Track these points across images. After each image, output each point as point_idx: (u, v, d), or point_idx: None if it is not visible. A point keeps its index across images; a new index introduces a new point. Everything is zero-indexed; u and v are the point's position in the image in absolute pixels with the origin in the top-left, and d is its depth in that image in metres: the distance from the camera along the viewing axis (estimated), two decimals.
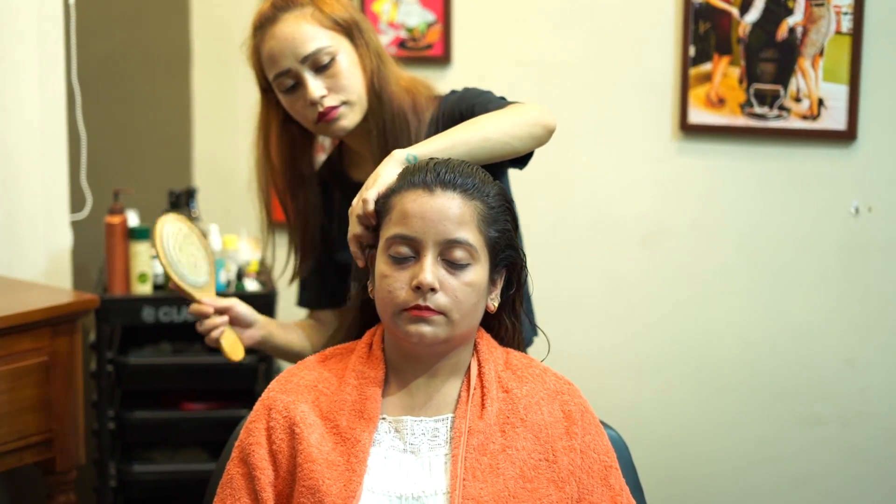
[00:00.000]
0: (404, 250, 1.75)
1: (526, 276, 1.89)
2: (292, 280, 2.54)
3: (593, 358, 3.35)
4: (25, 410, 2.74)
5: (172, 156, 4.08)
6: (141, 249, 3.26)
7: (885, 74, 2.96)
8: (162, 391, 3.39)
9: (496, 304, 1.86)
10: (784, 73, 3.07)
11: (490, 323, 1.91)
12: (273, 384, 1.88)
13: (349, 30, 2.25)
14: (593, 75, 3.35)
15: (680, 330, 3.29)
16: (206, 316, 2.29)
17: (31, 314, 2.75)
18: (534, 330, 2.13)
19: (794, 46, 3.05)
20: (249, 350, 2.38)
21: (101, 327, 3.24)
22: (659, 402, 3.31)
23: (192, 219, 3.32)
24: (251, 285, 3.40)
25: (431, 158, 1.85)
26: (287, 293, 3.72)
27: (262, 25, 2.26)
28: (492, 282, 1.83)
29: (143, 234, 3.25)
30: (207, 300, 2.30)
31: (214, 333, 2.29)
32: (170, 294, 3.27)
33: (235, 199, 3.99)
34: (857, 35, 2.97)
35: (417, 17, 3.64)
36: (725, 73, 3.15)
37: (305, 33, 2.20)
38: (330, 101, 2.21)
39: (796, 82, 3.05)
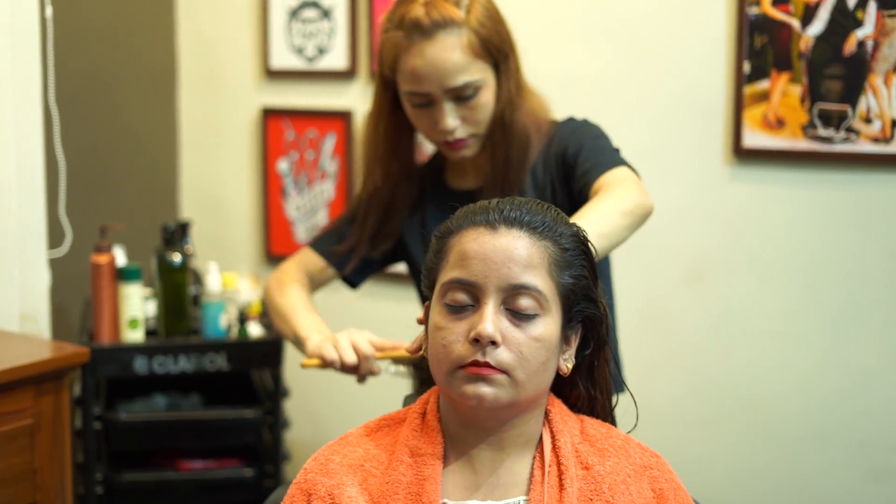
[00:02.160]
0: (462, 297, 1.52)
1: (606, 333, 1.62)
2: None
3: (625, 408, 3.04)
4: (7, 482, 2.40)
5: (158, 185, 3.78)
6: (132, 292, 2.93)
7: None
8: (155, 449, 3.06)
9: (570, 366, 1.60)
10: (852, 92, 2.78)
11: (562, 389, 1.66)
12: (311, 464, 1.61)
13: (498, 59, 2.11)
14: (634, 94, 3.06)
15: (733, 376, 3.00)
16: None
17: (11, 372, 2.41)
18: (618, 388, 1.81)
19: (864, 62, 2.75)
20: None
21: (88, 380, 2.90)
22: (711, 458, 3.01)
23: (186, 255, 2.97)
24: (255, 330, 3.06)
25: (508, 197, 1.61)
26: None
27: (411, 33, 2.06)
28: (565, 339, 1.58)
29: (134, 274, 2.92)
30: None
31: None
32: (164, 342, 2.94)
33: (228, 231, 3.69)
34: None
35: None
36: (785, 91, 2.85)
37: (458, 64, 2.05)
38: (461, 133, 2.11)
39: (866, 101, 2.76)
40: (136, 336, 2.95)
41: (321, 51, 3.53)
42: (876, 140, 2.77)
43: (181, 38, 3.78)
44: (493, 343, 1.47)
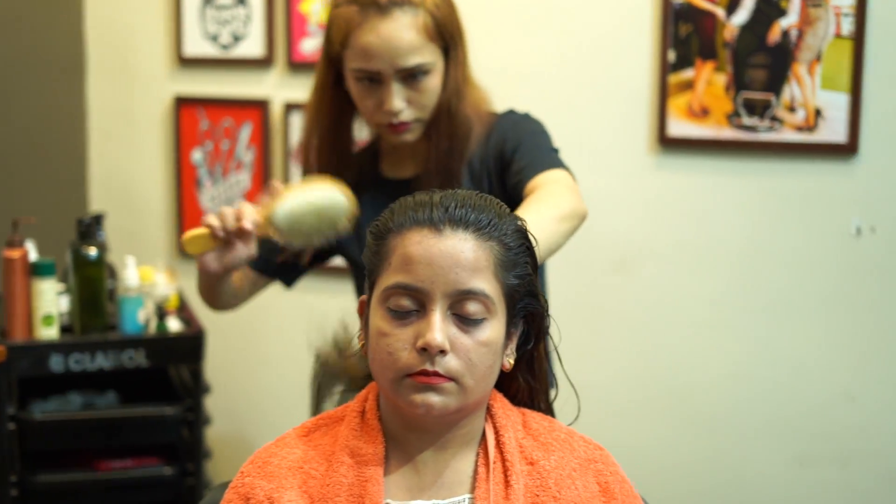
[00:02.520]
0: (407, 303, 1.45)
1: (547, 327, 1.59)
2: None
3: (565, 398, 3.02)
4: None
5: (67, 177, 3.65)
6: (45, 287, 2.82)
7: (889, 82, 2.71)
8: (71, 449, 2.95)
9: (512, 362, 1.56)
10: (776, 81, 2.79)
11: (502, 382, 1.61)
12: (248, 467, 1.54)
13: (449, 44, 2.08)
14: (559, 83, 3.04)
15: (662, 364, 3.01)
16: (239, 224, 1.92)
17: None
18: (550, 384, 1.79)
19: (788, 51, 2.77)
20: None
21: (1, 379, 2.79)
22: (641, 448, 3.01)
23: (102, 249, 2.88)
24: (174, 324, 2.98)
25: (436, 190, 1.54)
26: (217, 333, 3.32)
27: (367, 9, 2.02)
28: (507, 335, 1.53)
29: (48, 269, 2.82)
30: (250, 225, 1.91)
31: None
32: (81, 339, 2.84)
33: (140, 223, 3.59)
34: (858, 38, 2.71)
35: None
36: (710, 80, 2.86)
37: (412, 44, 2.02)
38: (406, 116, 2.06)
39: (790, 90, 2.78)
40: (50, 333, 2.84)
41: (236, 38, 3.45)
42: (800, 129, 2.79)
43: (88, 23, 3.66)
44: (442, 352, 1.43)
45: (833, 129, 2.75)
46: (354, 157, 2.23)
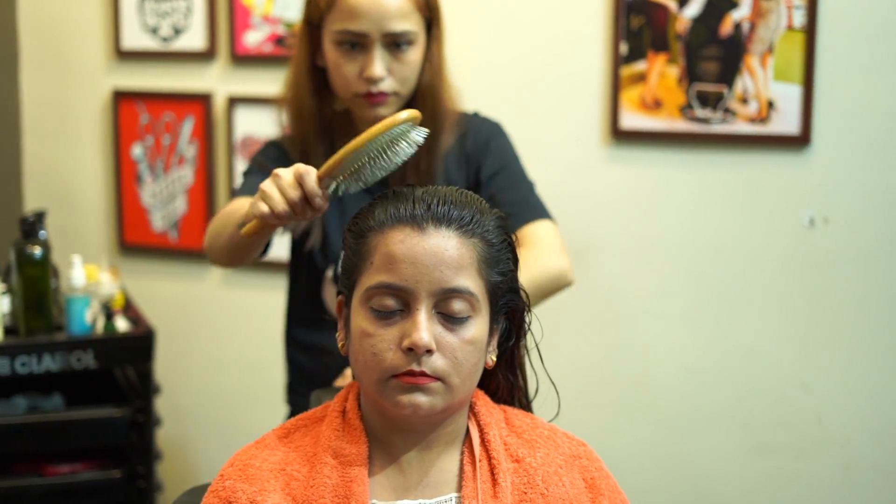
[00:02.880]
0: (391, 303, 1.43)
1: (529, 323, 1.60)
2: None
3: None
4: None
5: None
6: None
7: (841, 73, 2.73)
8: (17, 454, 2.87)
9: (494, 359, 1.55)
10: (729, 73, 2.81)
11: (481, 379, 1.59)
12: (227, 470, 1.51)
13: (432, 19, 2.06)
14: (511, 76, 3.02)
15: (615, 356, 3.00)
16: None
17: None
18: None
19: (740, 43, 2.78)
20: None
21: None
22: (596, 439, 2.98)
23: (46, 248, 2.80)
24: (121, 324, 2.91)
25: (416, 185, 1.52)
26: (164, 332, 3.26)
27: None
28: (490, 333, 1.52)
29: None
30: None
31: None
32: (27, 341, 2.76)
33: (78, 220, 3.51)
34: (811, 30, 2.73)
35: (297, 10, 3.20)
36: (662, 72, 2.86)
37: (401, 8, 1.99)
38: (385, 86, 2.01)
39: (743, 82, 2.79)
40: None
41: (177, 30, 3.37)
42: (752, 120, 2.80)
43: (21, 15, 3.55)
44: (428, 351, 1.41)
45: (786, 121, 2.77)
46: (328, 133, 2.13)
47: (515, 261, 1.55)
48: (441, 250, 1.43)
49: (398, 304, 1.42)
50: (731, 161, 2.84)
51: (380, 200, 1.49)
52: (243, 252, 1.98)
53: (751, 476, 2.93)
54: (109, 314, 2.89)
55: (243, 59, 3.30)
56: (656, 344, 2.98)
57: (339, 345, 1.53)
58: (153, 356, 2.88)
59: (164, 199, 3.46)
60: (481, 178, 2.09)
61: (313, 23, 2.04)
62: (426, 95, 2.07)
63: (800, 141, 2.76)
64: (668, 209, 2.92)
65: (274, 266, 3.30)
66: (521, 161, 2.18)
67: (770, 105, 2.78)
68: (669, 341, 2.96)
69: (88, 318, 2.84)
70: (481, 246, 1.46)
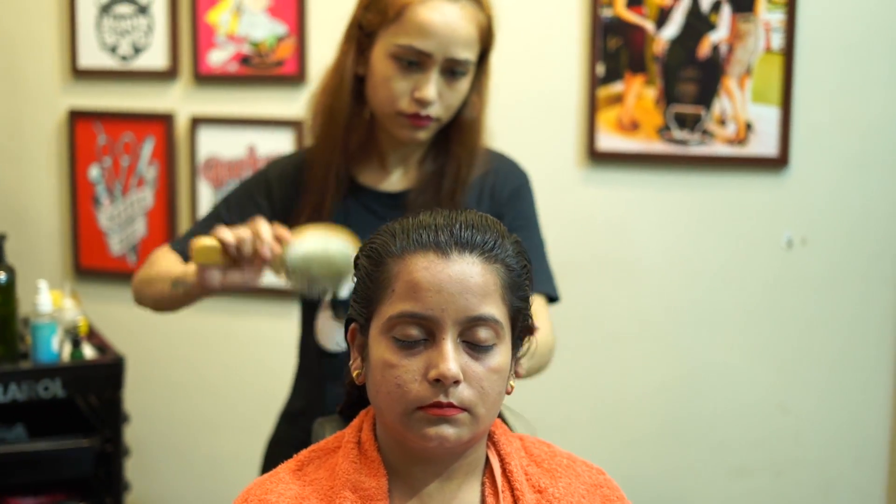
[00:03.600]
0: (415, 332, 1.38)
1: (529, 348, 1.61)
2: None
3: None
4: None
5: None
6: None
7: (819, 95, 2.75)
8: None
9: (513, 385, 1.50)
10: (707, 94, 2.81)
11: None
12: None
13: (486, 52, 2.01)
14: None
15: (590, 376, 2.99)
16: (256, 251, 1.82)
17: None
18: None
19: (718, 65, 2.79)
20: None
21: None
22: None
23: (11, 273, 2.70)
24: (88, 352, 2.82)
25: (437, 210, 1.47)
26: (135, 361, 3.17)
27: None
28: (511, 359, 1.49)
29: None
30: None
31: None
32: None
33: (32, 244, 3.40)
34: (788, 53, 2.74)
35: (265, 29, 3.15)
36: (640, 94, 2.86)
37: (469, 37, 1.93)
38: (433, 111, 1.94)
39: (721, 104, 2.80)
40: None
41: (137, 49, 3.29)
42: (730, 142, 2.81)
43: None
44: (455, 382, 1.36)
45: (764, 143, 2.78)
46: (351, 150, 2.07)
47: (531, 285, 1.52)
48: (466, 277, 1.38)
49: (422, 333, 1.38)
50: (709, 183, 2.84)
51: (399, 225, 1.44)
52: (176, 306, 2.04)
53: (729, 497, 2.93)
54: (76, 341, 2.80)
55: (207, 79, 3.23)
56: (633, 365, 2.97)
57: (355, 374, 1.47)
58: (123, 384, 2.79)
59: (123, 221, 3.37)
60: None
61: (366, 30, 1.96)
62: (471, 129, 2.03)
63: (778, 163, 2.77)
64: (646, 231, 2.91)
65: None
66: (539, 220, 2.15)
67: (748, 127, 2.78)
68: (646, 362, 2.95)
69: (55, 345, 2.74)
70: (503, 271, 1.43)
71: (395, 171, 2.06)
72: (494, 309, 1.39)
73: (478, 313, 1.38)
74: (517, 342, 1.48)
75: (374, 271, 1.43)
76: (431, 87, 1.91)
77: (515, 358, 1.50)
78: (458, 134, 2.01)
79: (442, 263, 1.38)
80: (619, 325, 2.96)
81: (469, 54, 1.93)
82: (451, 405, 1.36)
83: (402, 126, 1.95)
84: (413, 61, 1.91)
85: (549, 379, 2.98)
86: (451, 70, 1.93)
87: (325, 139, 2.03)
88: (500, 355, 1.41)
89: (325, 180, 2.02)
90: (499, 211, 2.06)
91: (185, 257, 2.06)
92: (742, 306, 2.87)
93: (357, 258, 1.48)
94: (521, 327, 1.48)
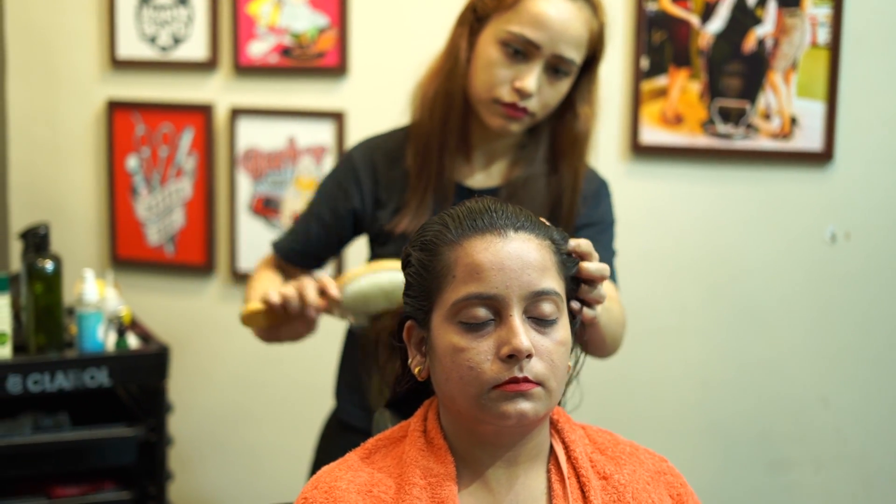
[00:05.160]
0: (482, 313, 1.41)
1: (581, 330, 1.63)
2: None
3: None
4: None
5: None
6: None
7: (864, 90, 2.75)
8: (24, 476, 2.77)
9: (571, 363, 1.52)
10: (752, 89, 2.81)
11: None
12: (311, 493, 1.46)
13: (595, 59, 2.02)
14: None
15: (633, 372, 2.99)
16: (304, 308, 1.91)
17: None
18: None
19: (764, 59, 2.79)
20: None
21: None
22: None
23: (57, 262, 2.71)
24: (132, 341, 2.83)
25: (482, 198, 1.51)
26: (183, 347, 3.18)
27: None
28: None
29: (1, 284, 2.63)
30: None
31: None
32: (40, 358, 2.66)
33: (70, 235, 3.41)
34: (835, 47, 2.74)
35: (306, 20, 3.16)
36: (684, 87, 2.86)
37: (579, 38, 1.94)
38: (530, 104, 1.95)
39: (766, 98, 2.80)
40: (4, 352, 2.65)
41: (177, 40, 3.29)
42: (775, 136, 2.81)
43: (8, 23, 3.44)
44: (528, 356, 1.39)
45: (808, 137, 2.78)
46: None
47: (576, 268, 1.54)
48: (525, 253, 1.42)
49: (489, 313, 1.40)
50: (753, 177, 2.85)
51: (448, 216, 1.47)
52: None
53: (769, 490, 2.93)
54: (121, 330, 2.80)
55: (247, 70, 3.23)
56: (675, 358, 2.97)
57: (416, 370, 1.50)
58: (167, 373, 2.80)
59: (161, 212, 3.37)
60: (574, 223, 2.06)
61: (479, 13, 1.97)
62: (583, 142, 2.06)
63: (822, 157, 2.78)
64: (689, 224, 2.92)
65: None
66: (615, 230, 2.16)
67: (793, 121, 2.79)
68: (688, 356, 2.96)
69: (100, 334, 2.75)
70: (554, 248, 1.47)
71: (478, 167, 2.08)
72: (554, 283, 1.43)
73: (540, 287, 1.41)
74: (572, 318, 1.51)
75: (430, 262, 1.45)
76: (533, 78, 1.92)
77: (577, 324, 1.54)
78: (569, 146, 2.04)
79: (500, 242, 1.42)
80: (661, 318, 2.97)
81: (575, 55, 1.94)
82: (526, 379, 1.39)
83: (496, 114, 1.96)
84: (520, 50, 1.92)
85: (590, 371, 2.99)
86: (555, 67, 1.94)
87: (441, 123, 2.03)
88: (563, 328, 1.44)
89: (439, 164, 2.03)
90: (577, 210, 2.08)
91: (289, 258, 2.17)
92: (785, 300, 2.87)
93: (407, 255, 1.50)
94: (574, 300, 1.52)
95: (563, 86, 1.98)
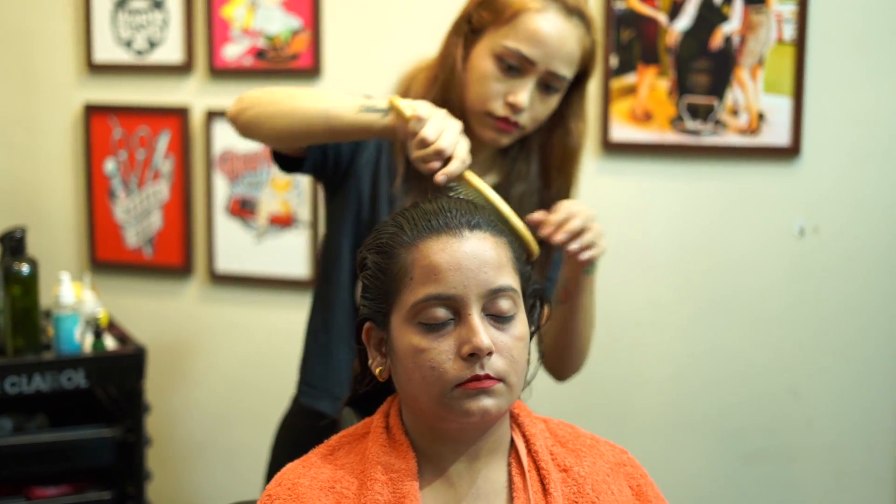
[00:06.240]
0: (441, 313, 1.43)
1: (544, 317, 1.61)
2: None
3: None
4: None
5: None
6: None
7: (830, 85, 2.78)
8: (3, 478, 2.79)
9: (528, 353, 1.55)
10: (719, 85, 2.84)
11: None
12: (275, 490, 1.48)
13: (585, 74, 2.06)
14: None
15: (606, 367, 3.01)
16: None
17: None
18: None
19: (731, 56, 2.82)
20: None
21: None
22: None
23: (33, 265, 2.73)
24: (109, 342, 2.85)
25: (435, 197, 1.53)
26: (151, 353, 3.20)
27: (552, 1, 1.97)
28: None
29: None
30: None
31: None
32: (17, 360, 2.69)
33: (49, 238, 3.43)
34: (800, 44, 2.77)
35: (280, 23, 3.18)
36: (653, 85, 2.89)
37: (572, 55, 1.98)
38: (521, 118, 1.99)
39: (733, 95, 2.83)
40: None
41: (152, 44, 3.32)
42: (743, 132, 2.84)
43: None
44: (489, 353, 1.41)
45: (776, 133, 2.81)
46: None
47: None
48: (481, 251, 1.44)
49: (448, 313, 1.42)
50: (722, 172, 2.88)
51: (402, 218, 1.49)
52: (310, 139, 1.95)
53: (742, 482, 2.96)
54: (98, 332, 2.83)
55: (222, 73, 3.26)
56: (647, 353, 3.00)
57: (377, 370, 1.51)
58: (144, 374, 2.83)
59: (139, 214, 3.40)
60: None
61: (474, 25, 2.00)
62: (575, 156, 2.10)
63: (790, 152, 2.81)
64: (659, 220, 2.95)
65: (255, 281, 3.28)
66: None
67: (760, 117, 2.82)
68: (660, 350, 2.99)
69: (77, 336, 2.78)
70: (509, 244, 1.49)
71: (492, 169, 2.11)
72: (510, 279, 1.45)
73: (497, 285, 1.43)
74: (529, 312, 1.53)
75: (386, 265, 1.47)
76: (526, 94, 1.96)
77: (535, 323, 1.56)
78: (562, 161, 2.08)
79: (456, 243, 1.43)
80: (634, 313, 3.00)
81: (567, 71, 1.98)
82: (488, 377, 1.41)
83: (488, 126, 2.00)
84: (514, 65, 1.95)
85: None
86: (548, 83, 1.98)
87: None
88: (521, 323, 1.46)
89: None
90: None
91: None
92: (755, 294, 2.90)
93: (363, 258, 1.52)
94: (531, 295, 1.54)
95: (553, 101, 2.02)
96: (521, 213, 2.01)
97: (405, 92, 2.09)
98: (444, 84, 2.02)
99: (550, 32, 1.94)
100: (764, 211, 2.87)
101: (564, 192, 2.10)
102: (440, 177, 1.75)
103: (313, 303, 2.22)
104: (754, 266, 2.89)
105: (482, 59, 1.98)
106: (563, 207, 1.86)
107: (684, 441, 3.00)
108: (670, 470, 3.01)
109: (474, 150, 2.05)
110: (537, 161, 2.10)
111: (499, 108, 1.97)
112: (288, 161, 2.05)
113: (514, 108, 1.96)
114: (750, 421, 2.94)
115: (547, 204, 2.04)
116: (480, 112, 1.99)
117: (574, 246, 1.87)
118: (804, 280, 2.86)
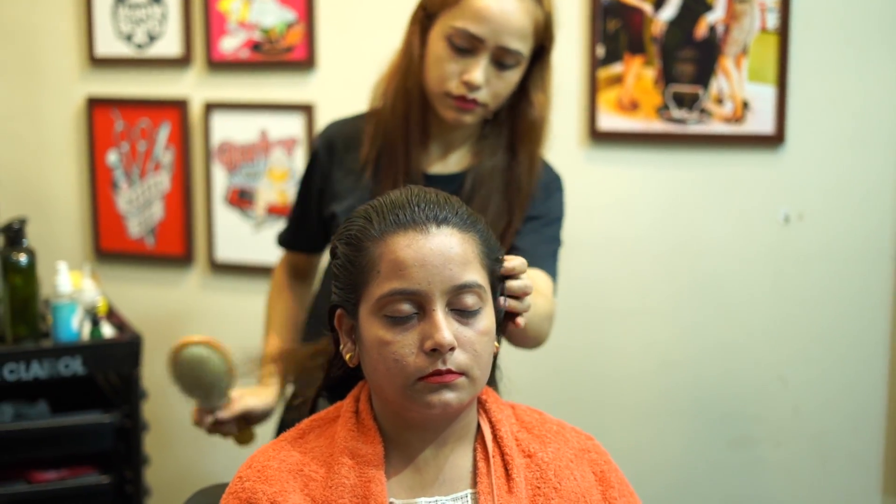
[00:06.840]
0: (406, 308, 1.46)
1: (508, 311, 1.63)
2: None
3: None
4: None
5: None
6: None
7: (814, 73, 2.80)
8: (4, 462, 2.86)
9: (498, 345, 1.59)
10: (704, 74, 2.87)
11: None
12: (245, 472, 1.54)
13: (544, 48, 2.11)
14: None
15: (593, 353, 3.05)
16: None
17: None
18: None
19: (715, 45, 2.85)
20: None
21: None
22: None
23: (32, 255, 2.79)
24: (107, 330, 2.91)
25: (406, 189, 1.55)
26: (155, 340, 3.26)
27: None
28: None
29: None
30: (225, 416, 2.25)
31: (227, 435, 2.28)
32: (15, 348, 2.76)
33: (53, 228, 3.50)
34: (784, 32, 2.79)
35: (275, 16, 3.23)
36: (639, 74, 2.92)
37: (523, 29, 2.02)
38: (480, 96, 2.04)
39: (718, 83, 2.86)
40: None
41: (152, 37, 3.38)
42: (728, 121, 2.87)
43: None
44: (451, 349, 1.44)
45: (760, 121, 2.83)
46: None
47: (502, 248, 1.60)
48: (447, 248, 1.46)
49: (413, 307, 1.45)
50: (708, 160, 2.90)
51: (371, 210, 1.52)
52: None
53: (730, 468, 2.99)
54: (95, 320, 2.89)
55: (219, 65, 3.32)
56: (634, 341, 3.03)
57: (347, 356, 1.55)
58: (141, 361, 2.89)
59: (141, 205, 3.46)
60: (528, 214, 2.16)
61: (428, 11, 2.06)
62: (539, 128, 2.15)
63: (774, 140, 2.83)
64: (646, 208, 2.98)
65: (253, 270, 3.33)
66: (562, 224, 2.24)
67: (745, 105, 2.84)
68: (647, 338, 3.02)
69: (75, 324, 2.84)
70: (478, 238, 1.51)
71: (436, 156, 2.16)
72: (476, 275, 1.48)
73: (462, 281, 1.46)
74: (497, 304, 1.56)
75: (355, 257, 1.50)
76: (479, 71, 2.00)
77: (503, 315, 1.59)
78: (526, 133, 2.12)
79: (423, 239, 1.46)
80: (621, 300, 3.03)
81: (520, 46, 2.02)
82: (449, 371, 1.44)
83: (449, 107, 2.05)
84: (465, 46, 2.00)
85: (553, 355, 3.06)
86: (500, 59, 2.02)
87: (403, 118, 2.12)
88: (487, 318, 1.49)
89: (405, 159, 2.12)
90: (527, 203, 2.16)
91: (293, 246, 2.37)
92: (741, 281, 2.93)
93: (335, 247, 1.56)
94: (500, 289, 1.57)
95: (513, 76, 2.06)
96: (492, 188, 2.09)
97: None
98: (405, 71, 2.09)
99: (496, 9, 1.98)
100: (749, 198, 2.89)
101: (527, 164, 2.14)
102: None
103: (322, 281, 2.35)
104: (741, 253, 2.92)
105: (436, 43, 2.04)
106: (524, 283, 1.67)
107: (671, 427, 3.03)
108: (657, 456, 3.04)
109: (448, 133, 2.12)
110: (506, 135, 2.14)
111: (455, 88, 2.02)
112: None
113: (470, 86, 2.01)
114: (736, 407, 2.97)
115: (513, 176, 2.11)
116: (440, 93, 2.05)
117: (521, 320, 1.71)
118: (789, 267, 2.88)
